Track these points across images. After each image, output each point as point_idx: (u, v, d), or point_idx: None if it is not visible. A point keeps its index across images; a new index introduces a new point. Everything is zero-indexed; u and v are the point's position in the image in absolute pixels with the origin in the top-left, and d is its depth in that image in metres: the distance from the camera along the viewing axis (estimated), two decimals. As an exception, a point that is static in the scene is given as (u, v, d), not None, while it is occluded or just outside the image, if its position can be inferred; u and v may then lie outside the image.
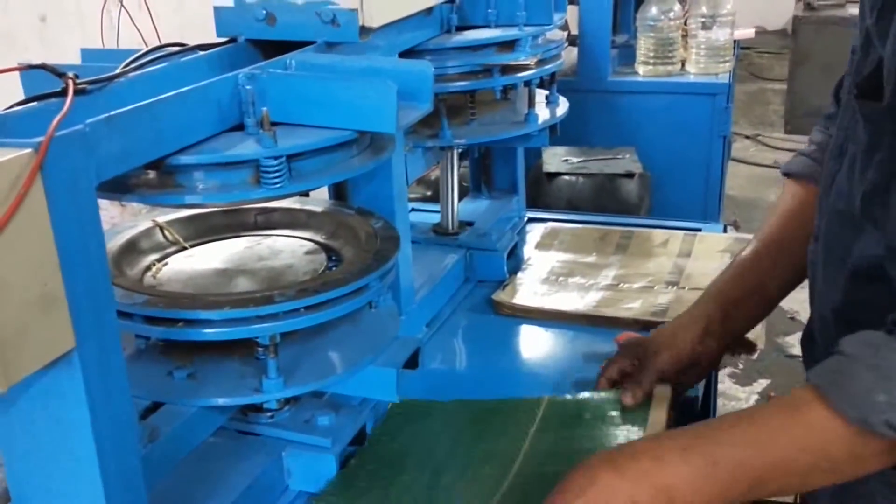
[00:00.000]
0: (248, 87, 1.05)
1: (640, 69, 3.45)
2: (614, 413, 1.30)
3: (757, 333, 1.68)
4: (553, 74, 1.81)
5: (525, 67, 1.67)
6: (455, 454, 1.28)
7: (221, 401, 1.12)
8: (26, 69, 0.98)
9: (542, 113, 1.81)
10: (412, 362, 1.27)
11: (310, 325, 1.13)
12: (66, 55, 1.21)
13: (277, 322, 1.08)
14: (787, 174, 1.43)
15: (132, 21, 1.97)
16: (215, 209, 1.36)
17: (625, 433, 1.25)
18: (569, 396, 1.38)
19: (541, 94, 1.86)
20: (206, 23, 1.47)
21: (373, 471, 1.25)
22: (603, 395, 1.35)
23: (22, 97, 1.02)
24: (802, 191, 1.38)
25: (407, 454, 1.29)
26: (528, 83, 1.74)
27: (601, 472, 0.91)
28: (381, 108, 1.04)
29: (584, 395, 1.37)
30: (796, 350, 3.66)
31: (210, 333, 1.07)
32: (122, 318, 1.04)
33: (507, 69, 1.66)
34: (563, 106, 1.86)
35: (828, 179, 1.15)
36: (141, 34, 1.99)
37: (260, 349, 1.13)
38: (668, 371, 1.34)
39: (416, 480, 1.23)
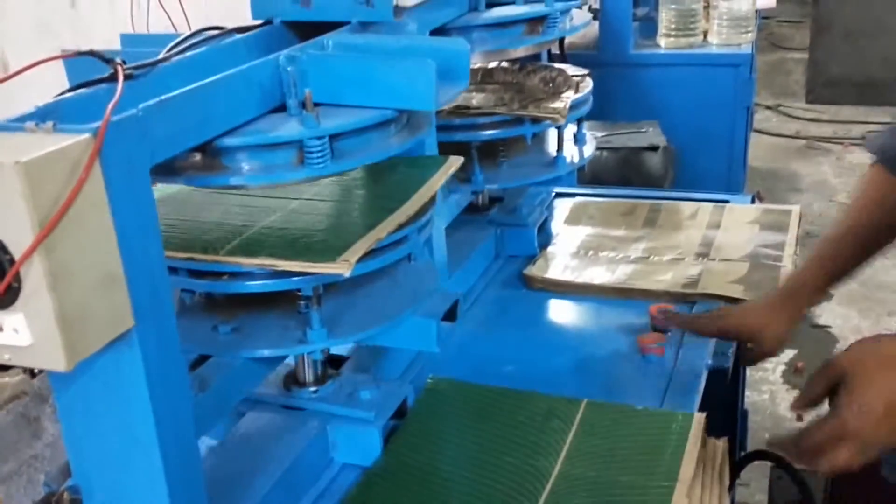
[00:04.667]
0: (289, 69, 1.07)
1: (662, 41, 3.44)
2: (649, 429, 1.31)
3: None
4: (580, 118, 1.85)
5: (555, 114, 1.70)
6: (497, 440, 1.29)
7: (267, 352, 1.14)
8: (74, 56, 1.00)
9: (570, 152, 1.85)
10: (451, 315, 1.29)
11: (351, 277, 1.15)
12: (97, 40, 1.23)
13: (317, 276, 1.10)
14: (877, 158, 1.40)
15: (161, 5, 2.00)
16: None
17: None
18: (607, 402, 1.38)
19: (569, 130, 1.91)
20: (233, 5, 1.49)
21: (418, 446, 1.28)
22: (639, 409, 1.35)
23: (60, 81, 1.04)
24: (886, 181, 1.38)
25: (450, 432, 1.32)
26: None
27: None
28: (421, 86, 1.06)
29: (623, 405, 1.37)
30: (823, 320, 3.66)
31: (254, 286, 1.09)
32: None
33: (536, 119, 1.71)
34: (590, 145, 1.90)
35: None
36: (170, 18, 2.01)
37: (302, 302, 1.15)
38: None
39: (463, 460, 1.26)
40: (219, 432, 1.30)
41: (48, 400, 1.65)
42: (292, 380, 1.33)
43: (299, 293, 1.15)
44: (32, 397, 1.63)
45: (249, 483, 1.16)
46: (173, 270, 1.10)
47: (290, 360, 1.35)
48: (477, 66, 1.93)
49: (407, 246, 1.21)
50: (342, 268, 1.05)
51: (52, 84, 1.04)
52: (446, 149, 1.65)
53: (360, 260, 1.08)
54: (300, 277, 1.10)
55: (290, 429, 1.27)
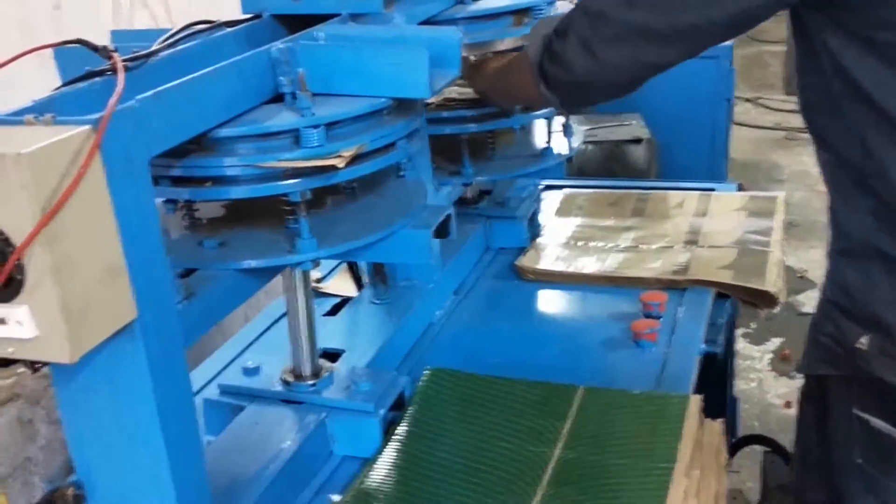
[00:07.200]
0: (282, 60, 1.07)
1: (643, 35, 3.45)
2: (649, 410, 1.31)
3: (779, 287, 1.71)
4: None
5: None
6: (496, 428, 1.30)
7: (255, 263, 1.10)
8: (62, 45, 1.00)
9: (559, 144, 1.85)
10: (443, 230, 1.27)
11: (341, 194, 1.15)
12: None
13: (307, 178, 1.07)
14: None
15: (146, 4, 1.99)
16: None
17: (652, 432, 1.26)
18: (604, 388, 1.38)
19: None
20: (218, 4, 1.49)
21: (418, 437, 1.28)
22: (636, 392, 1.36)
23: (46, 82, 1.04)
24: None
25: (449, 421, 1.32)
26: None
27: None
28: (415, 74, 1.06)
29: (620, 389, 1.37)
30: (807, 308, 3.68)
31: (239, 191, 1.06)
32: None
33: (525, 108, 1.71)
34: (578, 136, 1.90)
35: None
36: (155, 19, 2.00)
37: (290, 217, 1.12)
38: None
39: (462, 448, 1.26)
40: (218, 427, 1.30)
41: (41, 402, 1.64)
42: (290, 374, 1.33)
43: (288, 208, 1.11)
44: (26, 399, 1.62)
45: (250, 477, 1.16)
46: (154, 180, 1.02)
47: (287, 359, 1.35)
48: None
49: (395, 154, 1.18)
50: (336, 161, 1.03)
51: (37, 85, 1.04)
52: (436, 141, 1.66)
53: (351, 164, 1.06)
54: (286, 182, 1.06)
55: (290, 422, 1.26)
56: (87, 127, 0.80)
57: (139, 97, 0.87)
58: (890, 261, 1.16)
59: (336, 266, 1.84)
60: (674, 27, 1.17)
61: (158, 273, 0.89)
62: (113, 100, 0.81)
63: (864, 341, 1.19)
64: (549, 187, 2.21)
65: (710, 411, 1.37)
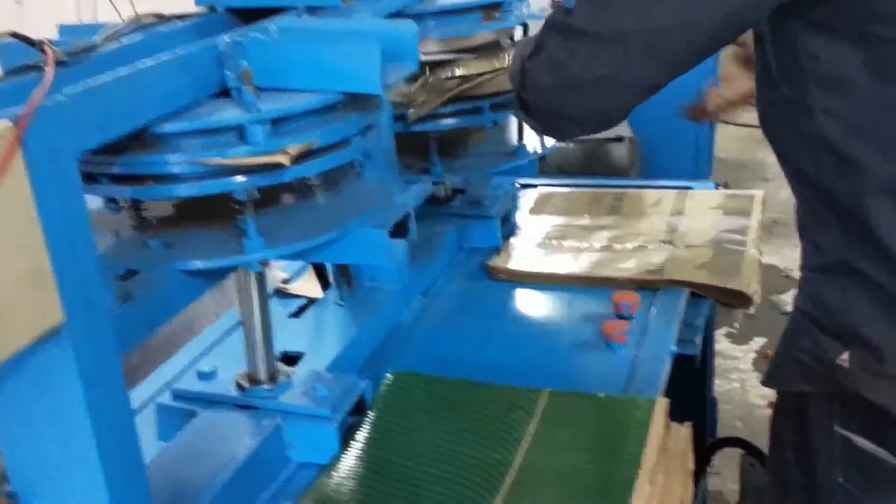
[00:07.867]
0: (228, 53, 1.03)
1: (626, 32, 3.42)
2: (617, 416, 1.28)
3: (753, 288, 1.68)
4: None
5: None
6: (459, 433, 1.26)
7: (200, 263, 1.05)
8: (-6, 38, 0.96)
9: (532, 141, 1.81)
10: (402, 229, 1.22)
11: (293, 192, 1.10)
12: (43, 37, 1.19)
13: (252, 175, 1.02)
14: None
15: (110, 1, 1.94)
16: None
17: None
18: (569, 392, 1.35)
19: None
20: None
21: (378, 442, 1.24)
22: (601, 396, 1.33)
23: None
24: None
25: (410, 426, 1.28)
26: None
27: None
28: (366, 68, 1.02)
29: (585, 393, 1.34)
30: (791, 307, 3.66)
31: (181, 189, 1.01)
32: (87, 183, 0.98)
33: (495, 106, 1.66)
34: None
35: None
36: (119, 14, 1.96)
37: (239, 216, 1.07)
38: None
39: (424, 455, 1.23)
40: (172, 433, 1.26)
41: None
42: (246, 378, 1.29)
43: (236, 207, 1.06)
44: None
45: (201, 484, 1.12)
46: (92, 178, 1.00)
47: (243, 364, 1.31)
48: (431, 57, 1.89)
49: (349, 150, 1.12)
50: (282, 158, 0.99)
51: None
52: (404, 140, 1.62)
53: (300, 160, 1.02)
54: (232, 179, 1.02)
55: (244, 428, 1.23)
56: (7, 124, 0.76)
57: (67, 91, 0.83)
58: (866, 278, 1.12)
59: (303, 267, 1.80)
60: (652, 44, 1.11)
61: (88, 275, 0.85)
62: (37, 95, 0.77)
63: (844, 357, 1.14)
64: (525, 186, 2.17)
65: (687, 413, 1.34)
